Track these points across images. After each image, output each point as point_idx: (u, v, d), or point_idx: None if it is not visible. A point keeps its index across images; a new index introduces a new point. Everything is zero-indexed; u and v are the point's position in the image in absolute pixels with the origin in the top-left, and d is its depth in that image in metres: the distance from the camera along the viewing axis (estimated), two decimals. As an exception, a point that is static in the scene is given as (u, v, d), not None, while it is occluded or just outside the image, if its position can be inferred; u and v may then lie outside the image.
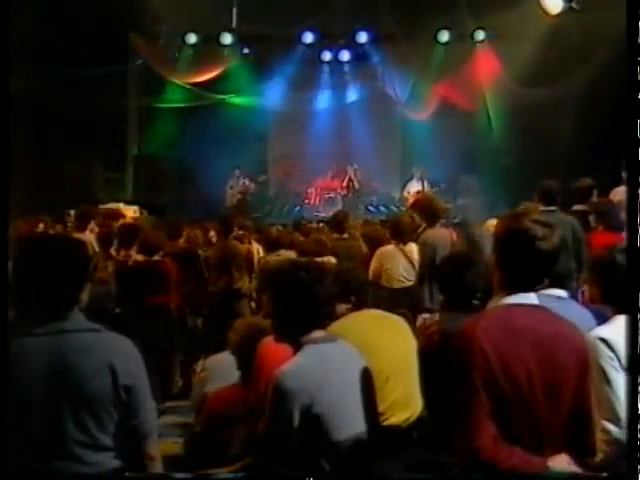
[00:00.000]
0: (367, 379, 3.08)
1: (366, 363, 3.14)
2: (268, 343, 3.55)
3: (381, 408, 3.41)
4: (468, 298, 3.68)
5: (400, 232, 6.99)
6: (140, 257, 6.87)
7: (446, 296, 3.97)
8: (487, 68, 15.12)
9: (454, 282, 3.79)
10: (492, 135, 15.39)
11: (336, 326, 3.56)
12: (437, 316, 4.20)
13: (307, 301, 2.97)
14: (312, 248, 6.90)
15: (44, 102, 12.16)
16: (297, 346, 3.00)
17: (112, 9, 12.60)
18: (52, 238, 3.40)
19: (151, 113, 15.66)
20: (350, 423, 2.94)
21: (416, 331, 4.13)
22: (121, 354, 2.56)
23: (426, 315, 6.04)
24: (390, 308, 4.45)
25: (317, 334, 3.02)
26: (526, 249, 2.45)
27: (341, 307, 3.90)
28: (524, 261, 2.48)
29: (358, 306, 3.99)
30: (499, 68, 14.74)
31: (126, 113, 15.76)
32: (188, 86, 15.45)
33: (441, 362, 2.62)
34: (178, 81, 15.49)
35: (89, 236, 8.07)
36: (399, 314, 4.23)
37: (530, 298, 2.51)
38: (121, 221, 8.93)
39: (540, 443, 2.38)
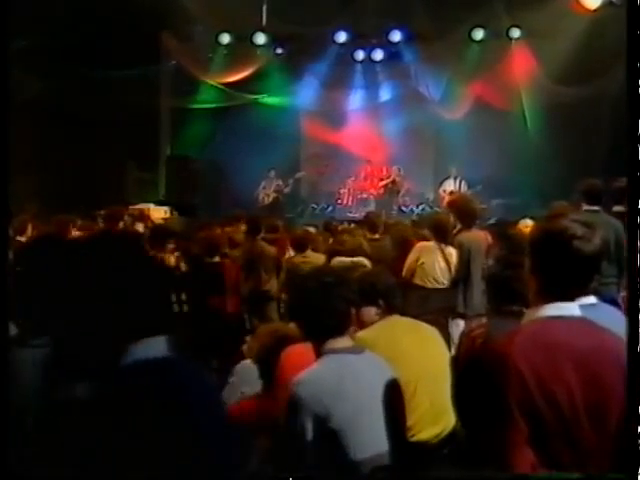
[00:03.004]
0: (395, 394, 2.92)
1: (396, 376, 2.98)
2: (292, 352, 3.41)
3: (409, 422, 3.24)
4: (518, 303, 3.42)
5: (441, 231, 6.68)
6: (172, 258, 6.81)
7: (497, 300, 3.71)
8: (523, 66, 14.85)
9: (507, 285, 3.53)
10: (528, 134, 15.12)
11: (365, 335, 3.43)
12: (484, 320, 4.00)
13: (319, 309, 2.86)
14: (347, 247, 6.75)
15: (78, 103, 12.23)
16: (319, 355, 2.88)
17: (145, 10, 12.64)
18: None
19: (184, 114, 15.72)
20: (371, 442, 2.79)
21: (460, 335, 3.95)
22: None
23: (460, 321, 5.90)
24: (422, 311, 4.30)
25: (340, 343, 2.88)
26: (564, 250, 2.21)
27: (370, 311, 3.74)
28: (562, 264, 2.22)
29: (387, 310, 3.80)
30: (535, 66, 14.47)
31: (159, 114, 15.83)
32: (221, 86, 15.50)
33: (479, 370, 2.39)
34: (211, 81, 15.54)
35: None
36: (430, 320, 4.07)
37: (571, 309, 2.26)
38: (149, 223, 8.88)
39: (584, 469, 2.14)
